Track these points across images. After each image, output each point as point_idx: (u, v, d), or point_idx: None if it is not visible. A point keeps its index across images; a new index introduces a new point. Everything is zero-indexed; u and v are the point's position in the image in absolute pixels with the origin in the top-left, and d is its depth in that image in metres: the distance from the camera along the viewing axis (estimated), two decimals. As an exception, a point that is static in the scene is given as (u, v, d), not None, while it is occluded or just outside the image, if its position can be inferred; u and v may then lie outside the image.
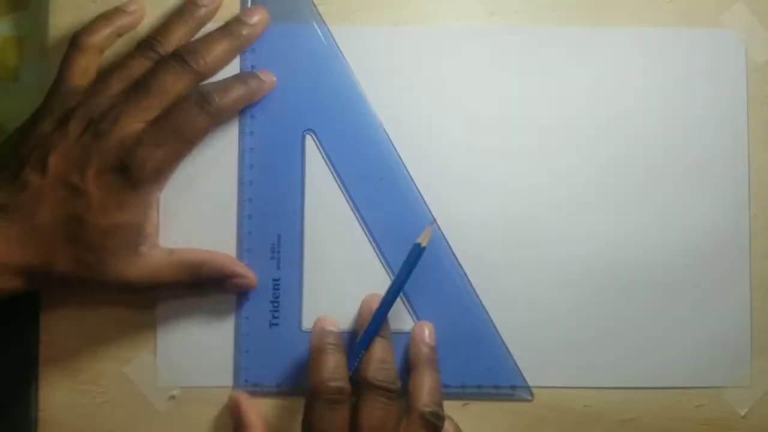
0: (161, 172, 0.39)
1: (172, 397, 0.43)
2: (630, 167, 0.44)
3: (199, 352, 0.43)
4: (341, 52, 0.44)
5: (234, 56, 0.42)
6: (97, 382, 0.43)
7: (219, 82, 0.41)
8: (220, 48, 0.41)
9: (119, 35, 0.42)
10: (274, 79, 0.43)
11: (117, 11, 0.42)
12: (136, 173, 0.38)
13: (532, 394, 0.43)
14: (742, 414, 0.43)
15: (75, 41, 0.41)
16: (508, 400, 0.43)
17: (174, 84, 0.40)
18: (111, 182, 0.38)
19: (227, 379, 0.43)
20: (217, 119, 0.40)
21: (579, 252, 0.43)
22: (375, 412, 0.39)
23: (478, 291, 0.43)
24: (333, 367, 0.39)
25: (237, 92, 0.41)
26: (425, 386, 0.40)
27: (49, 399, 0.43)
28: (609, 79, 0.44)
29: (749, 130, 0.44)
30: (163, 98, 0.39)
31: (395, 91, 0.44)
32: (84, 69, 0.41)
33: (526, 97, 0.44)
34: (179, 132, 0.39)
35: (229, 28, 0.42)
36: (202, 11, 0.42)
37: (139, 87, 0.39)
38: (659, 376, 0.43)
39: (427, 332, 0.42)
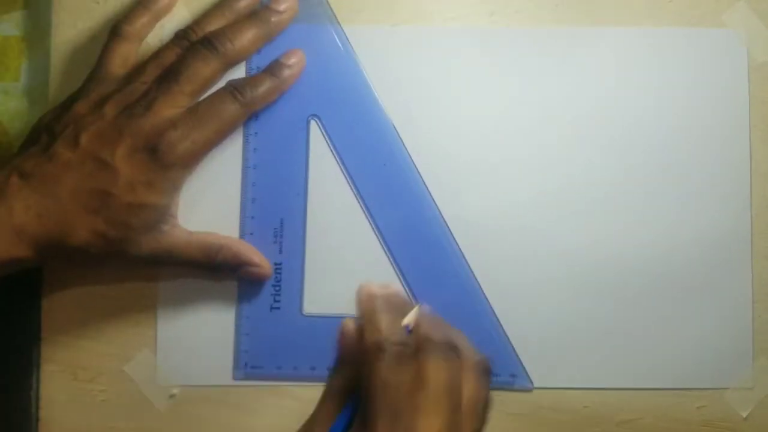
0: (191, 157, 0.40)
1: (173, 395, 0.43)
2: (631, 166, 0.43)
3: (199, 350, 0.43)
4: (349, 42, 0.44)
5: (262, 43, 0.43)
6: (97, 381, 0.43)
7: (251, 77, 0.43)
8: (248, 34, 0.42)
9: (157, 20, 0.43)
10: (303, 58, 0.43)
11: None
12: (167, 155, 0.39)
13: (531, 382, 0.43)
14: (744, 415, 0.43)
15: (115, 29, 0.42)
16: (507, 390, 0.43)
17: (202, 68, 0.40)
18: (141, 161, 0.39)
19: (228, 378, 0.43)
20: (249, 110, 0.41)
21: (579, 252, 0.43)
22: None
23: (477, 289, 0.43)
24: (390, 324, 0.37)
25: (268, 84, 0.42)
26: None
27: (49, 397, 0.43)
28: (610, 79, 0.44)
29: (750, 130, 0.44)
30: (193, 83, 0.40)
31: (394, 91, 0.44)
32: (124, 57, 0.42)
33: (527, 96, 0.44)
34: (212, 119, 0.40)
35: (257, 14, 0.42)
36: (243, 3, 0.43)
37: (169, 73, 0.40)
38: (660, 376, 0.43)
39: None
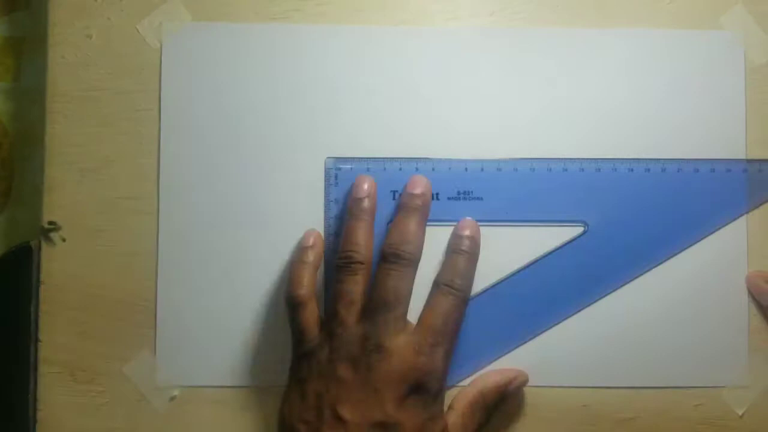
0: (447, 369, 0.40)
1: (173, 397, 0.43)
2: (629, 167, 0.44)
3: (199, 351, 0.43)
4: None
5: (425, 226, 0.42)
6: (96, 382, 0.43)
7: (446, 265, 0.42)
8: (412, 227, 0.41)
9: (316, 269, 0.42)
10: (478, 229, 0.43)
11: (302, 251, 0.42)
12: (431, 383, 0.39)
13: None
14: (740, 413, 0.43)
15: (290, 301, 0.41)
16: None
17: (403, 285, 0.40)
18: (415, 403, 0.38)
19: (227, 379, 0.43)
20: (466, 295, 0.41)
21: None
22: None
23: (479, 289, 0.43)
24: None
25: (471, 267, 0.42)
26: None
27: (48, 399, 0.43)
28: (609, 80, 0.44)
29: (747, 131, 0.44)
30: (404, 303, 0.40)
31: (395, 91, 0.44)
32: (312, 318, 0.41)
33: (527, 97, 0.44)
34: (447, 326, 0.40)
35: (406, 205, 0.42)
36: (365, 203, 0.42)
37: (377, 305, 0.39)
38: (657, 375, 0.43)
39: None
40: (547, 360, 0.43)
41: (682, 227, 0.43)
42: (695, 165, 0.44)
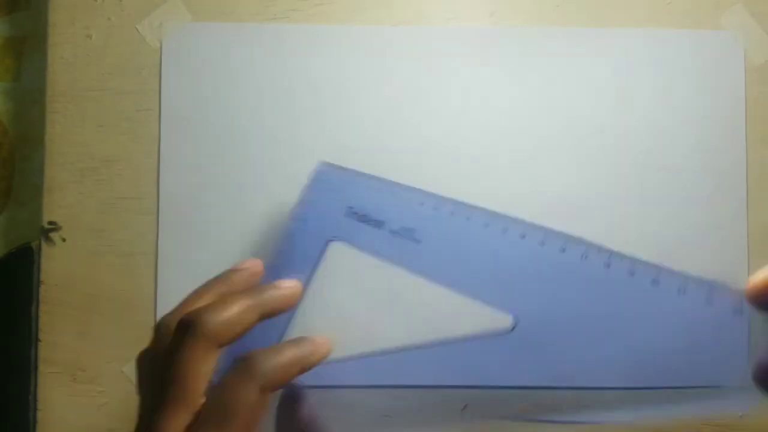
0: None
1: (172, 396, 0.43)
2: (628, 166, 0.44)
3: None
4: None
5: (255, 317, 0.35)
6: (96, 382, 0.43)
7: (269, 348, 0.35)
8: (235, 307, 0.34)
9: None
10: (328, 343, 0.36)
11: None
12: None
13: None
14: (740, 414, 0.43)
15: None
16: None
17: (196, 361, 0.33)
18: None
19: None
20: (268, 387, 0.33)
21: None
22: None
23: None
24: None
25: (287, 355, 0.34)
26: None
27: (48, 399, 0.43)
28: (609, 80, 0.44)
29: (747, 131, 0.44)
30: (193, 381, 0.33)
31: (395, 91, 0.44)
32: None
33: (526, 97, 0.44)
34: (227, 412, 0.32)
35: (252, 288, 0.36)
36: (236, 276, 0.37)
37: (163, 379, 0.34)
38: (657, 375, 0.43)
39: None
40: (546, 360, 0.43)
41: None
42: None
